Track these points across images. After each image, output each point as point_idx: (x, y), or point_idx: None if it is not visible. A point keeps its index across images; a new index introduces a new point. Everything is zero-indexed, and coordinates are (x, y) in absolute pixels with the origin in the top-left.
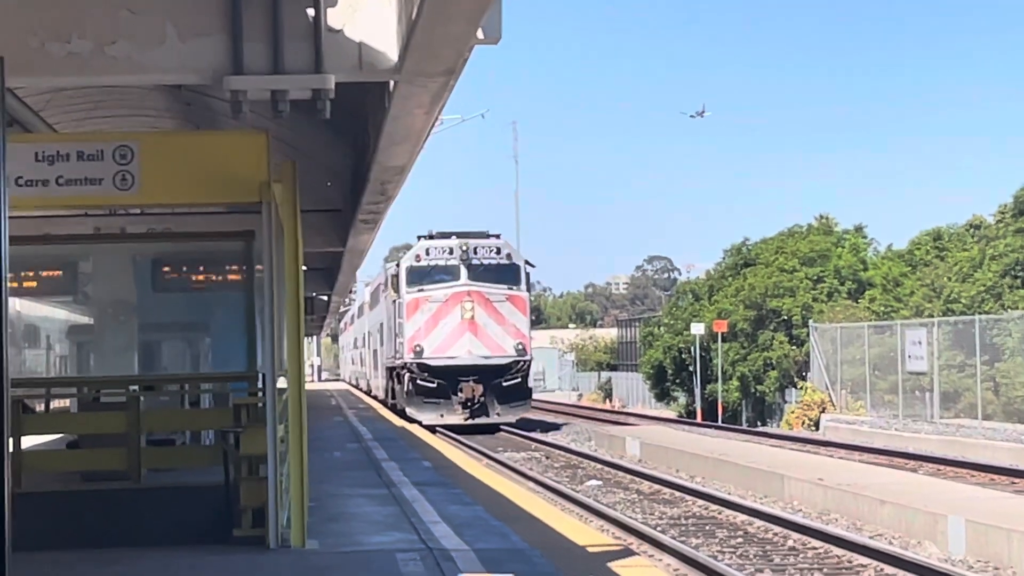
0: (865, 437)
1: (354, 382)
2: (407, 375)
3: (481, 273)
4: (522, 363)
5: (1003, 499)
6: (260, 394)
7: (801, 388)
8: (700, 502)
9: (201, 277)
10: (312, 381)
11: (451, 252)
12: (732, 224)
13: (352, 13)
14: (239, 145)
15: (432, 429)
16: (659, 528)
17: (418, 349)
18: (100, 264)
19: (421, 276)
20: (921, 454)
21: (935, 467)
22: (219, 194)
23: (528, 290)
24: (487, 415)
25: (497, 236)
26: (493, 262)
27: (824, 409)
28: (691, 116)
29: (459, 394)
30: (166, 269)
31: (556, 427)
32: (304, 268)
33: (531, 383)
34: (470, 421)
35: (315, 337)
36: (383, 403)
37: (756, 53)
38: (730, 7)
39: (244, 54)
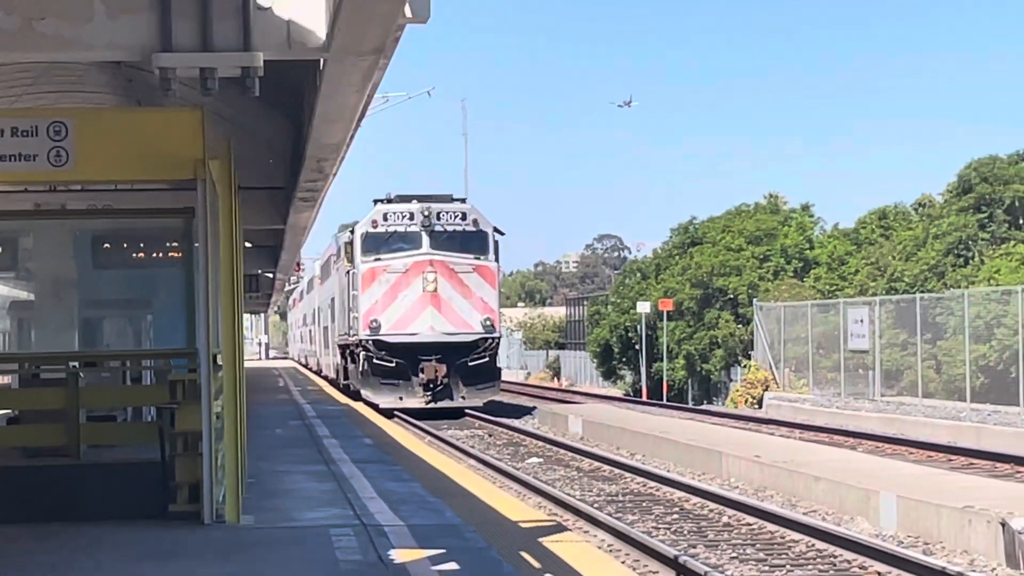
0: (807, 415)
1: (303, 361)
2: (362, 354)
3: (445, 241)
4: (490, 340)
5: (937, 476)
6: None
7: (745, 367)
8: (639, 479)
9: (142, 254)
10: (259, 359)
11: (411, 218)
12: (683, 203)
13: None
14: (175, 122)
15: (390, 414)
16: (596, 505)
17: (374, 325)
18: (40, 240)
19: (378, 244)
20: (861, 432)
21: (874, 444)
22: (155, 171)
23: (497, 260)
24: (451, 398)
25: (462, 200)
26: (458, 229)
27: (767, 387)
28: (619, 106)
29: (420, 375)
30: (106, 246)
31: (524, 410)
32: (248, 245)
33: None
34: (432, 405)
35: (263, 315)
36: (335, 384)
37: (707, 32)
38: None
39: (173, 31)
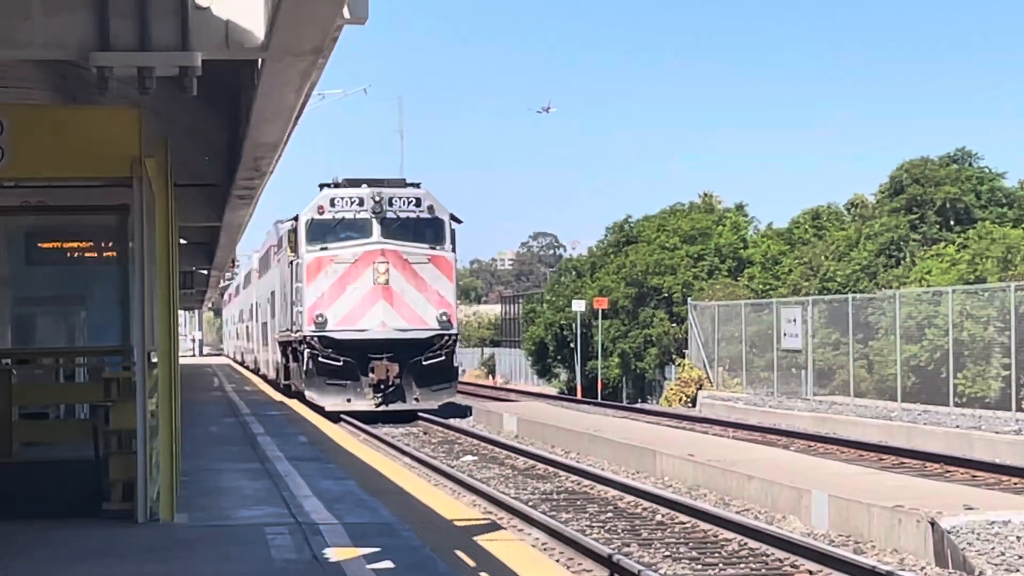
0: (740, 414)
1: (239, 358)
2: (307, 351)
3: (398, 229)
4: (447, 338)
5: (868, 475)
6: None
7: (680, 365)
8: (573, 477)
9: (75, 251)
10: (193, 356)
11: (361, 203)
12: (618, 202)
13: None
14: (112, 120)
15: (336, 417)
16: (530, 503)
17: (320, 320)
18: None
19: (324, 232)
20: (793, 431)
21: (806, 443)
22: (91, 168)
23: (454, 249)
24: (403, 400)
25: (416, 185)
26: (412, 216)
27: (701, 386)
28: (538, 112)
29: (370, 375)
30: (40, 242)
31: (459, 408)
32: (183, 242)
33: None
34: (383, 407)
35: (196, 311)
36: (274, 384)
37: (646, 30)
38: None
39: (111, 30)
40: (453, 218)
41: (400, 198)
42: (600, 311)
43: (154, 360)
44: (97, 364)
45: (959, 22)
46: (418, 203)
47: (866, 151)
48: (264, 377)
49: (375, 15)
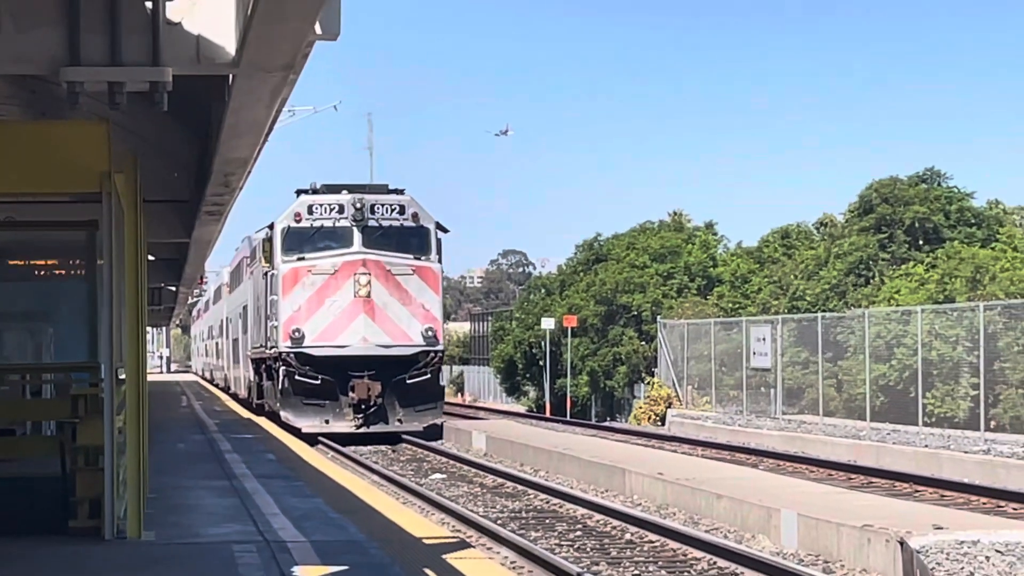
0: (709, 432)
1: (207, 375)
2: (282, 369)
3: (380, 238)
4: (432, 355)
5: (837, 494)
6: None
7: (649, 384)
8: (542, 496)
9: (44, 267)
10: (161, 373)
11: (341, 210)
12: (588, 219)
13: (191, 6)
14: (80, 135)
15: (313, 440)
16: (500, 521)
17: (297, 335)
18: None
19: (302, 241)
20: (763, 449)
21: (775, 462)
22: (59, 184)
23: (440, 260)
24: (386, 421)
25: (400, 191)
26: (395, 224)
27: (671, 404)
28: (496, 135)
29: (350, 394)
30: (8, 258)
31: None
32: (151, 258)
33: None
34: (363, 429)
35: (164, 328)
36: (246, 404)
37: (615, 48)
38: (580, 9)
39: (82, 45)
40: (439, 227)
41: (382, 205)
42: (569, 329)
43: (122, 376)
44: (64, 380)
45: (928, 43)
46: (402, 211)
47: (835, 170)
48: (235, 396)
49: (347, 32)
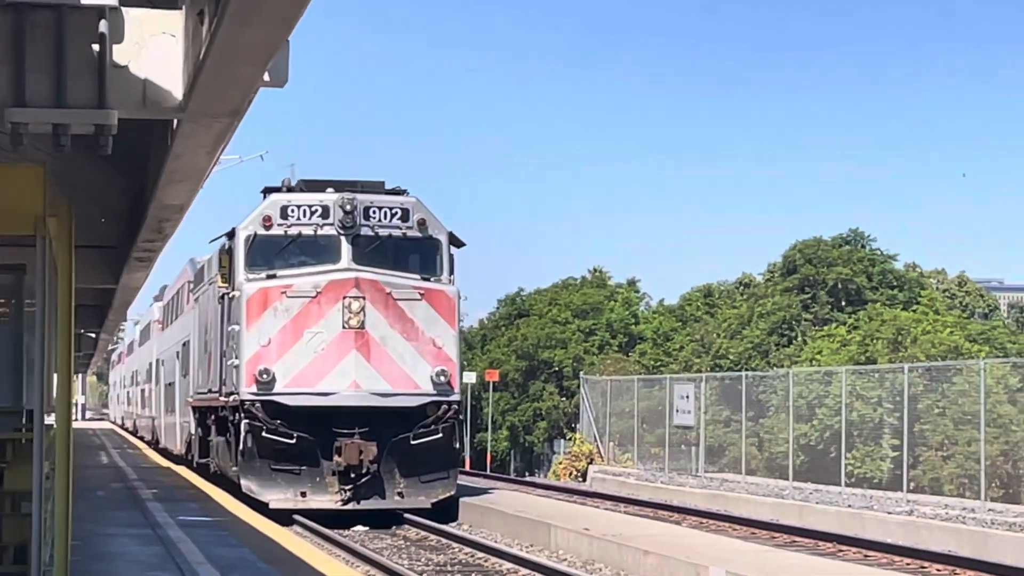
0: (632, 489)
1: (128, 425)
2: (244, 423)
3: (377, 251)
4: (446, 407)
5: (765, 552)
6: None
7: (570, 439)
8: (467, 549)
9: None
10: (76, 420)
11: (325, 214)
12: (509, 274)
13: (138, 50)
14: (15, 177)
15: (287, 519)
16: (425, 574)
17: (265, 378)
18: None
19: (273, 253)
20: (685, 507)
21: (698, 520)
22: None
23: (453, 281)
24: (381, 495)
25: (403, 192)
26: (397, 232)
27: (592, 460)
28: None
29: (335, 458)
30: None
31: None
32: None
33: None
34: (352, 506)
35: (80, 375)
36: (185, 463)
37: (534, 101)
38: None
39: (27, 86)
40: (452, 239)
41: (380, 208)
42: (491, 383)
43: (48, 421)
44: None
45: (850, 103)
46: (405, 216)
47: (754, 230)
48: (165, 451)
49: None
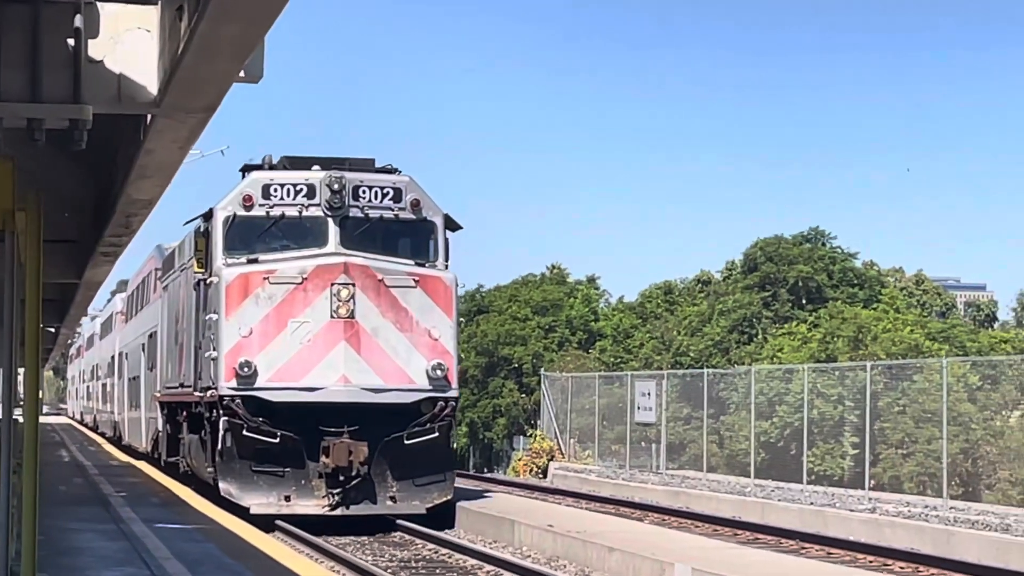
0: (593, 486)
1: (88, 421)
2: (223, 420)
3: (367, 234)
4: (443, 404)
5: (729, 549)
6: None
7: (531, 436)
8: (431, 545)
9: None
10: None
11: (311, 193)
12: (470, 269)
13: (113, 45)
14: None
15: (269, 524)
16: (390, 570)
17: (246, 372)
18: None
19: (254, 235)
20: (647, 504)
21: (660, 517)
22: None
23: (448, 267)
24: (372, 500)
25: (394, 170)
26: (388, 214)
27: (553, 457)
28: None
29: (322, 459)
30: None
31: None
32: None
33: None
34: (341, 511)
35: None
36: (152, 461)
37: (492, 100)
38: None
39: (1, 80)
40: (449, 222)
41: (371, 188)
42: None
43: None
44: None
45: (809, 104)
46: (397, 196)
47: (714, 227)
48: (130, 448)
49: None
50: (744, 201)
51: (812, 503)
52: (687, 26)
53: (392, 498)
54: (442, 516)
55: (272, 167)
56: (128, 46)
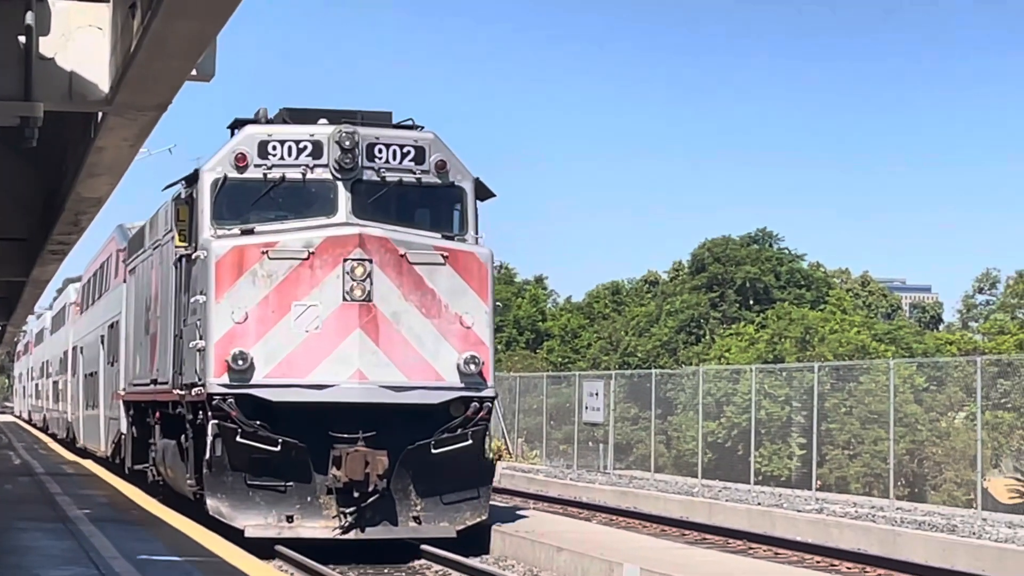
0: (540, 485)
1: (38, 420)
2: (211, 423)
3: (383, 201)
4: (477, 405)
5: (678, 549)
6: None
7: None
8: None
9: None
10: None
11: (317, 152)
12: None
13: (65, 42)
14: None
15: (268, 550)
16: (339, 571)
17: (240, 364)
18: None
19: (246, 201)
20: (595, 504)
21: (609, 517)
22: None
23: (481, 242)
24: (392, 520)
25: (416, 126)
26: (409, 177)
27: (500, 456)
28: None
29: (332, 471)
30: None
31: None
32: None
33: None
34: (354, 534)
35: None
36: (112, 467)
37: (450, 107)
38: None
39: None
40: (479, 188)
41: (388, 146)
42: None
43: None
44: None
45: (758, 104)
46: (419, 156)
47: (660, 228)
48: (86, 451)
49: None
50: (692, 202)
51: (759, 503)
52: (632, 25)
53: (416, 519)
54: (475, 539)
55: (269, 121)
56: (80, 44)
